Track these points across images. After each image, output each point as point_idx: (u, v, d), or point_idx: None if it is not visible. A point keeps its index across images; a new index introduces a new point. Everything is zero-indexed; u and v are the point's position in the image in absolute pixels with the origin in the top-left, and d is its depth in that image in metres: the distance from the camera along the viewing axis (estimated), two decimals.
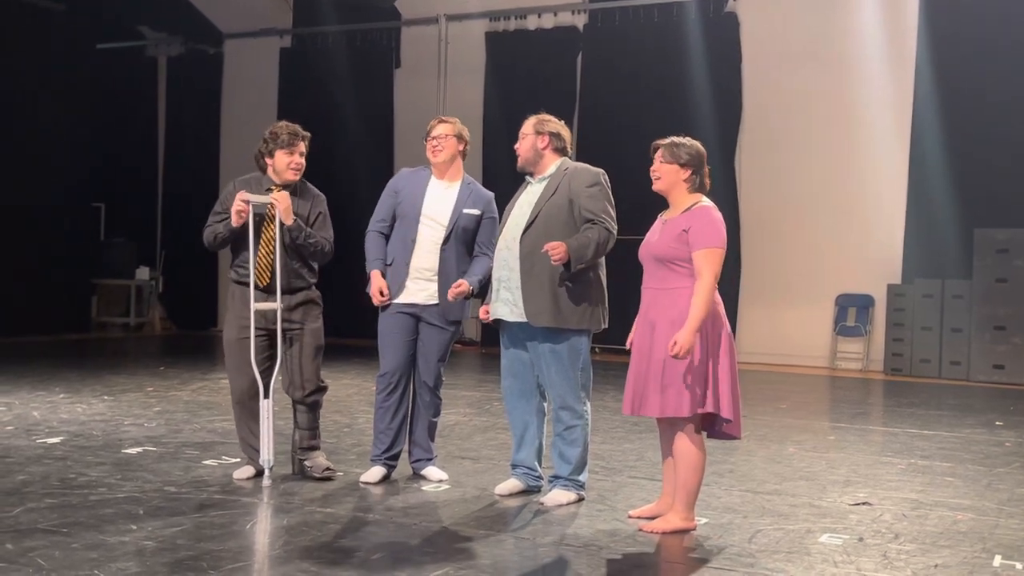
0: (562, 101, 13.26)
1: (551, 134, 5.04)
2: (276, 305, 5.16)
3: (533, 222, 4.89)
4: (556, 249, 4.71)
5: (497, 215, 5.38)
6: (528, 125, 5.10)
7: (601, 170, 5.03)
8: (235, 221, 5.11)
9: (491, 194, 5.47)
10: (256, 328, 5.17)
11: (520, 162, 5.10)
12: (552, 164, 5.04)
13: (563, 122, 5.17)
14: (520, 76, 13.53)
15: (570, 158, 5.13)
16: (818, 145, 12.37)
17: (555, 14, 13.69)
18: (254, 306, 5.11)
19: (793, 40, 12.45)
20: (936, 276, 11.60)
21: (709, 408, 4.39)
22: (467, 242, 5.33)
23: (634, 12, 13.08)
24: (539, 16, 13.79)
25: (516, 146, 5.12)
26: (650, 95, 12.80)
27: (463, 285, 5.20)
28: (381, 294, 5.26)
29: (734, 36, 12.71)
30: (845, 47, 12.19)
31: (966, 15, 11.62)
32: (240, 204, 5.09)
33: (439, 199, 5.31)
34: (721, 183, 12.25)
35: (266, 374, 5.24)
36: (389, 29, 14.64)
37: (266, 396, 5.15)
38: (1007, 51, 11.38)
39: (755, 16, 12.68)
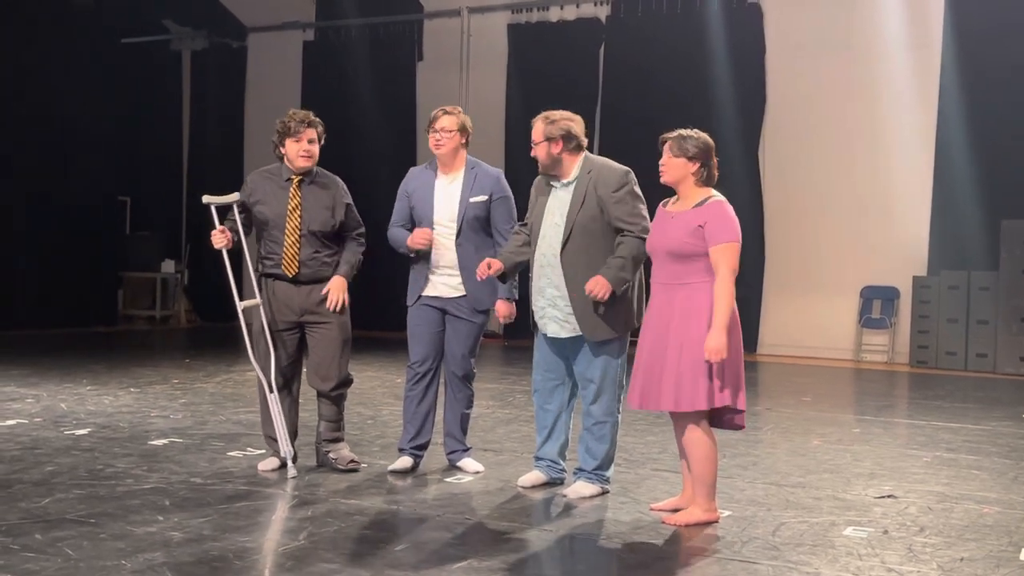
0: (584, 93, 13.22)
1: (563, 136, 4.83)
2: (257, 301, 5.21)
3: (569, 237, 4.81)
4: (600, 290, 4.65)
5: (508, 193, 5.31)
6: (537, 131, 4.88)
7: (627, 168, 4.90)
8: (217, 245, 5.18)
9: (497, 172, 5.36)
10: (285, 321, 5.24)
11: (540, 169, 4.95)
12: (574, 166, 4.88)
13: (571, 112, 4.93)
14: (542, 68, 13.50)
15: (588, 150, 4.97)
16: (842, 136, 12.28)
17: (577, 5, 13.65)
18: (240, 304, 5.20)
19: (817, 31, 12.36)
20: (962, 268, 11.51)
21: (726, 401, 4.39)
22: (481, 229, 5.27)
23: (657, 3, 13.02)
24: (561, 8, 13.76)
25: (532, 152, 4.93)
26: (673, 86, 12.72)
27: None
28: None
29: (758, 27, 12.62)
30: (869, 37, 12.09)
31: (993, 3, 11.50)
32: (219, 240, 5.17)
33: (446, 198, 5.26)
34: (745, 174, 12.23)
35: (292, 367, 5.31)
36: (411, 22, 14.65)
37: (271, 391, 5.19)
38: None
39: (779, 7, 12.60)
